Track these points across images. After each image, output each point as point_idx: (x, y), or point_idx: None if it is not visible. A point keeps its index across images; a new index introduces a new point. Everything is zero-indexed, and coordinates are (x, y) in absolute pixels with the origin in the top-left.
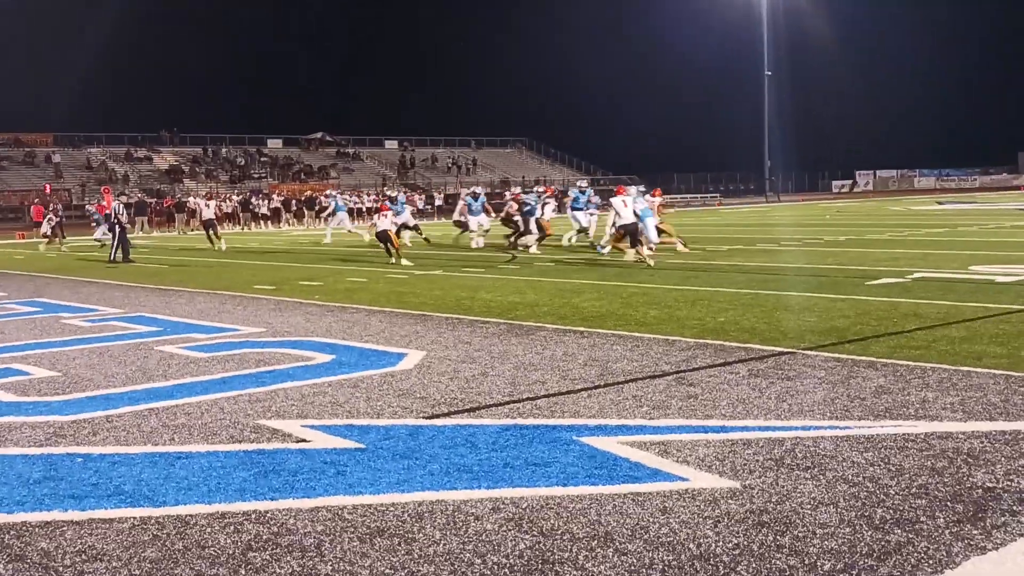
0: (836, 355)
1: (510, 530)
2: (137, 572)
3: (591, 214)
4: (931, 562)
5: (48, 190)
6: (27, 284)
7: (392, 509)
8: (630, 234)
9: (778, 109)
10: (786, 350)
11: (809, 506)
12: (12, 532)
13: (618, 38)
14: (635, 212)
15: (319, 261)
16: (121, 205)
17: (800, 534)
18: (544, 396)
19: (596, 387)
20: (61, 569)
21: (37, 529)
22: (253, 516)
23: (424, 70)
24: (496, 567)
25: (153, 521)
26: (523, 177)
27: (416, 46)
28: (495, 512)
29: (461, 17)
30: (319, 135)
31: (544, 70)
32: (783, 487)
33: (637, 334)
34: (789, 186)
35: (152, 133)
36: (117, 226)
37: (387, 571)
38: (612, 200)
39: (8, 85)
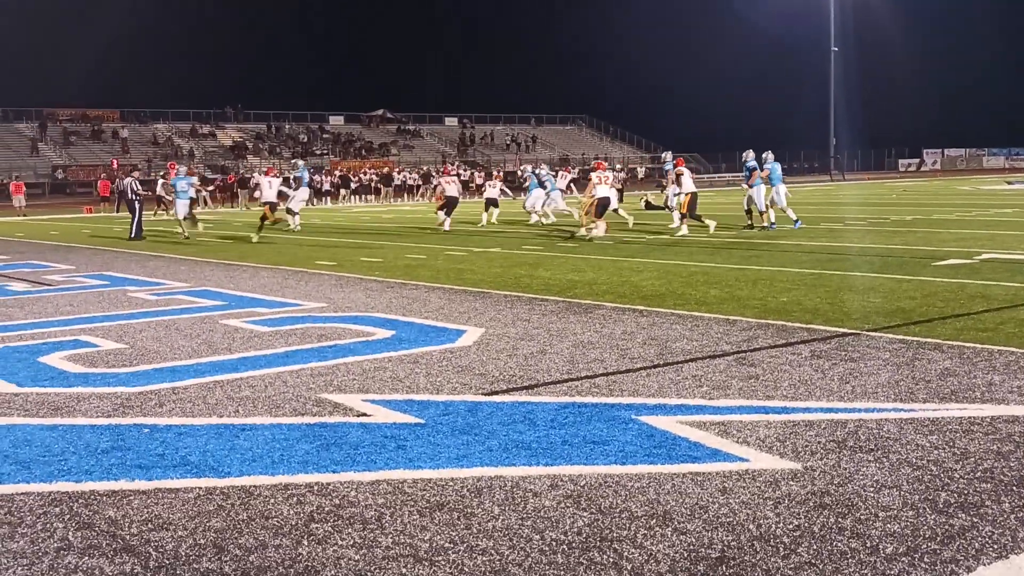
0: (901, 337)
1: (568, 507)
2: (202, 541)
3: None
4: (995, 547)
5: (115, 165)
6: (95, 258)
7: (451, 484)
8: (602, 208)
9: (844, 86)
10: (850, 331)
11: (872, 489)
12: (80, 500)
13: (680, 12)
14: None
15: (380, 238)
16: (136, 181)
17: (862, 517)
18: (602, 375)
19: (655, 366)
20: (128, 537)
21: (105, 498)
22: (315, 488)
23: (484, 47)
24: (554, 543)
25: (218, 491)
26: (582, 154)
27: (476, 23)
28: (553, 489)
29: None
30: (380, 112)
31: (604, 46)
32: (845, 469)
33: (697, 313)
34: (854, 164)
35: (217, 109)
36: (136, 202)
37: (446, 545)
38: (591, 175)
39: (76, 61)
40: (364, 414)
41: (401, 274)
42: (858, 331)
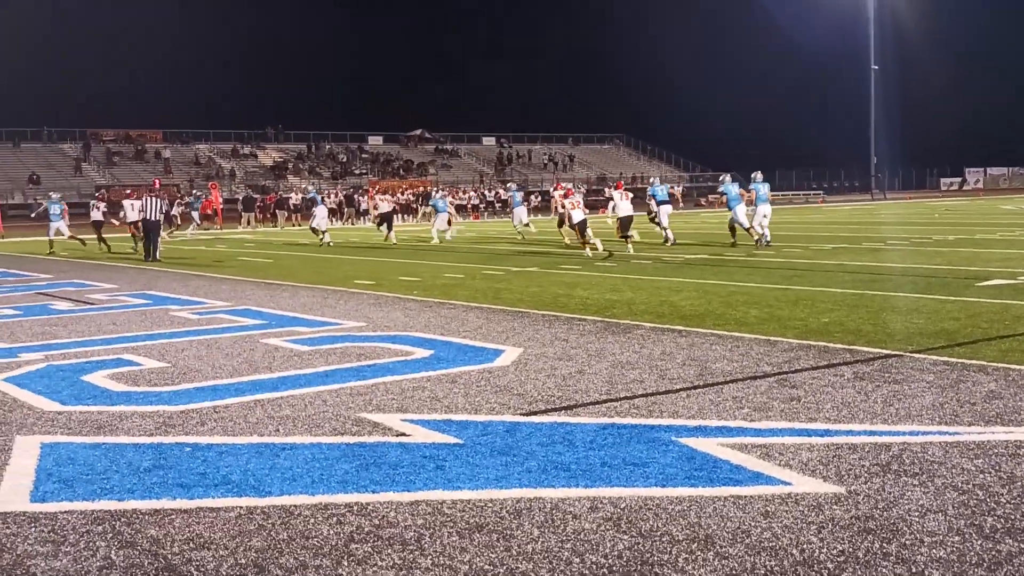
0: (945, 358)
1: (608, 530)
2: (243, 561)
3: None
4: None
5: (157, 185)
6: (138, 277)
7: (490, 505)
8: (623, 225)
9: (884, 104)
10: (893, 352)
11: (917, 513)
12: (123, 519)
13: (719, 30)
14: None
15: (417, 257)
16: (157, 200)
17: (907, 542)
18: (642, 395)
19: (695, 387)
20: (170, 556)
21: (147, 516)
22: (355, 508)
23: (522, 66)
24: (595, 566)
25: (259, 511)
26: (620, 173)
27: (514, 43)
28: (593, 511)
29: (558, 12)
30: (419, 132)
31: (642, 64)
32: (890, 493)
33: (737, 334)
34: (896, 183)
35: (258, 130)
36: (159, 223)
37: (486, 567)
38: (613, 193)
39: (120, 83)
40: (403, 434)
41: (439, 293)
42: (901, 353)
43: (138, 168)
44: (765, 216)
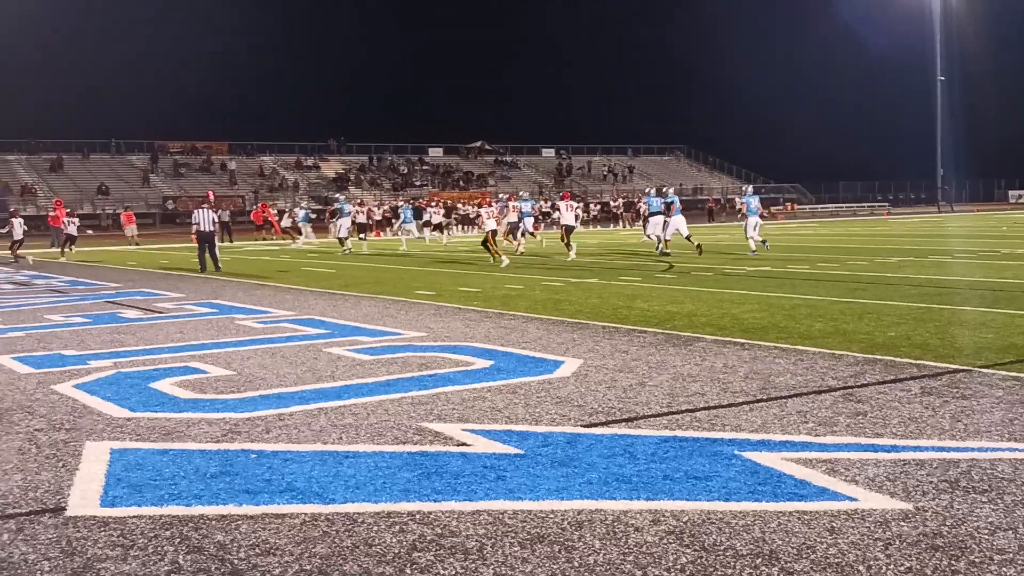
0: (1015, 374)
1: (671, 543)
2: (308, 567)
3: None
4: None
5: (211, 196)
6: (204, 286)
7: (552, 516)
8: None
9: (951, 115)
10: (961, 367)
11: (986, 531)
12: (190, 524)
13: (781, 40)
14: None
15: (477, 268)
16: (211, 211)
17: (976, 560)
18: (703, 408)
19: (758, 401)
20: (236, 562)
21: (213, 522)
22: (417, 516)
23: (582, 76)
24: None
25: (323, 518)
26: (680, 184)
27: (574, 53)
28: (655, 524)
29: (619, 24)
30: (479, 143)
31: (704, 75)
32: (958, 510)
33: (801, 347)
34: (963, 195)
35: (321, 143)
36: (215, 234)
37: None
38: (559, 204)
39: (187, 96)
40: (464, 443)
41: (499, 304)
42: (970, 367)
43: (204, 179)
44: (755, 228)
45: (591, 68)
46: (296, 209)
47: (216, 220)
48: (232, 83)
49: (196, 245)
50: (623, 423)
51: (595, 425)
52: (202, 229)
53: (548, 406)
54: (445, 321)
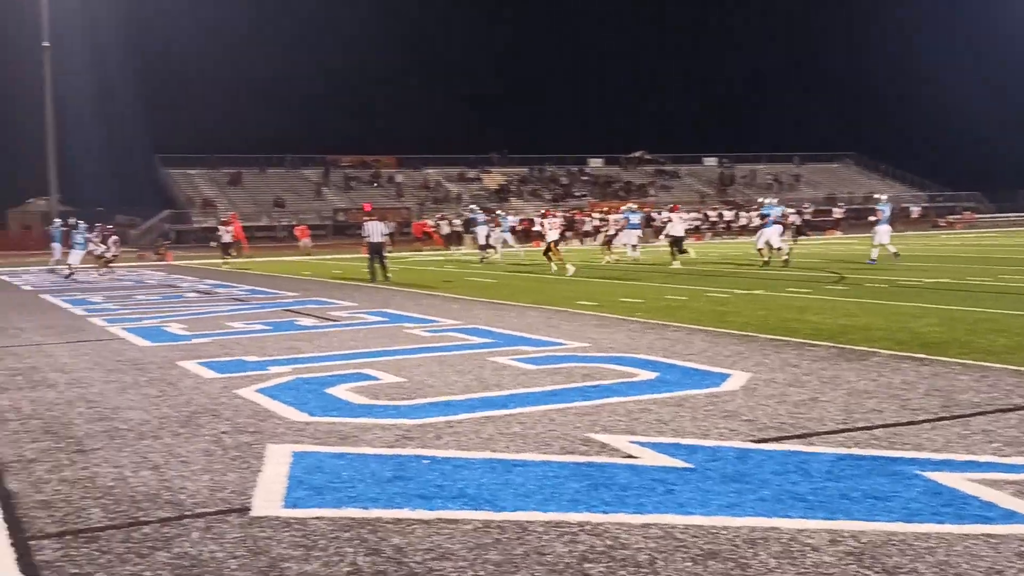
0: None
1: (850, 564)
2: (481, 573)
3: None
4: None
5: (368, 209)
6: (375, 296)
7: (724, 532)
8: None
9: None
10: None
11: None
12: (368, 527)
13: (960, 42)
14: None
15: (639, 278)
16: (380, 223)
17: None
18: (881, 426)
19: (939, 419)
20: (413, 565)
21: (390, 525)
22: (587, 527)
23: (745, 83)
24: None
25: (494, 525)
26: (850, 193)
27: (736, 60)
28: (833, 544)
29: (779, 29)
30: (639, 153)
31: (875, 79)
32: None
33: (985, 363)
34: None
35: (484, 155)
36: (384, 245)
37: None
38: (543, 221)
39: (357, 113)
40: (631, 456)
41: (662, 315)
42: None
43: (372, 192)
44: (885, 235)
45: (756, 76)
46: (499, 218)
47: (385, 231)
48: (399, 100)
49: (367, 255)
50: (795, 439)
51: (766, 441)
52: (372, 240)
53: (716, 420)
54: (608, 332)
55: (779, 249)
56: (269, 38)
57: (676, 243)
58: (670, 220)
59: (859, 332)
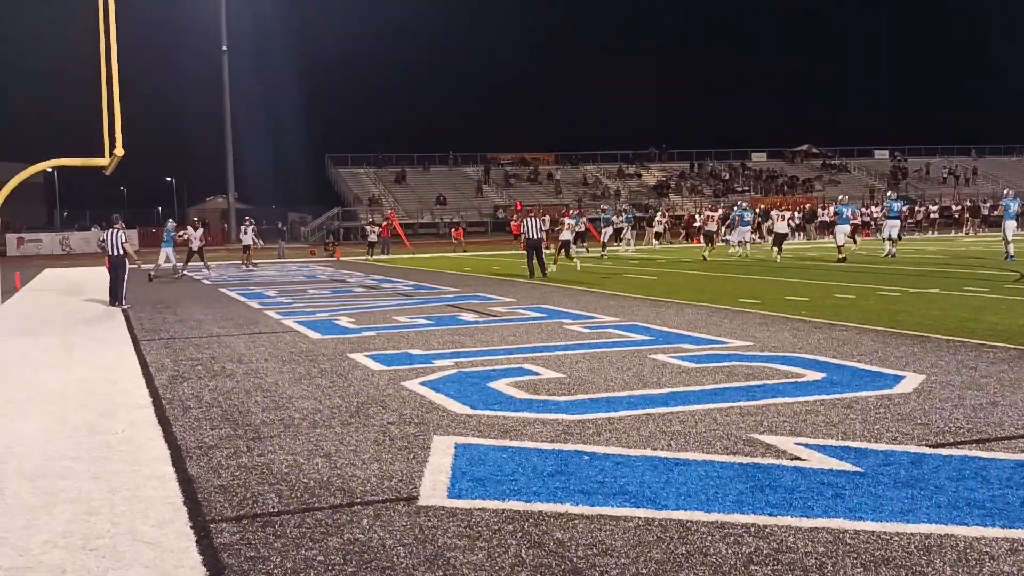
0: None
1: None
2: (644, 571)
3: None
4: None
5: (519, 207)
6: (533, 292)
7: (896, 539)
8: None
9: None
10: None
11: None
12: (531, 520)
13: None
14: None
15: (803, 276)
16: (536, 220)
17: None
18: None
19: None
20: (575, 560)
21: (552, 519)
22: (752, 529)
23: (917, 73)
24: None
25: (656, 523)
26: None
27: (905, 50)
28: (1013, 554)
29: (954, 15)
30: (805, 147)
31: None
32: None
33: None
34: None
35: (642, 151)
36: (541, 242)
37: None
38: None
39: (516, 112)
40: (798, 458)
41: (829, 314)
42: None
43: (532, 189)
44: (1013, 232)
45: (925, 62)
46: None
47: (542, 228)
48: (558, 98)
49: (524, 252)
50: (973, 444)
51: (942, 445)
52: (530, 237)
53: (888, 423)
54: (771, 331)
55: (842, 245)
56: (435, 42)
57: (778, 240)
58: (780, 218)
59: None
